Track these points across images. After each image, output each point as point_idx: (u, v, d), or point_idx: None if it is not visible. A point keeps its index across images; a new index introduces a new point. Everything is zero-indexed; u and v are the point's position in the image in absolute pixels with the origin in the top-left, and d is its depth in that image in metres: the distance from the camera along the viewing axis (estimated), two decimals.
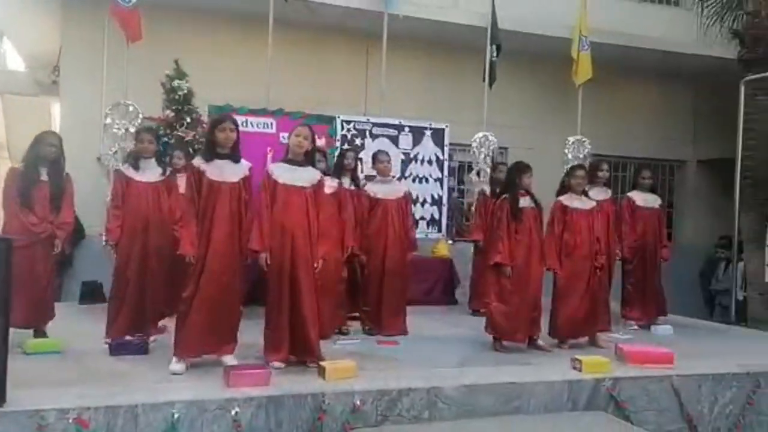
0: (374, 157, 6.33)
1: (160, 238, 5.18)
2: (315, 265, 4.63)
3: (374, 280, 5.98)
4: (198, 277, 4.31)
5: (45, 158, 5.01)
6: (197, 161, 4.46)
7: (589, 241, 5.62)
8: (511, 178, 5.54)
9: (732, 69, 8.79)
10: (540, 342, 5.49)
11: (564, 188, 5.80)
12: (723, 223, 9.74)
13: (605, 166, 6.70)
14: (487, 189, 7.40)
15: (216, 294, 4.35)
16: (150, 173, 5.27)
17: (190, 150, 6.67)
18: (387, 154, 6.35)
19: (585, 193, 5.78)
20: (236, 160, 4.49)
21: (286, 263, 4.50)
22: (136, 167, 5.26)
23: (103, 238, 5.27)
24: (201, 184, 4.37)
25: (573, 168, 6.03)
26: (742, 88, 8.00)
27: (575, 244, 5.58)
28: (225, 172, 4.42)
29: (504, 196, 5.48)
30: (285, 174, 4.61)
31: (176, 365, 4.27)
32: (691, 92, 11.49)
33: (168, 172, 5.42)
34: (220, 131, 4.42)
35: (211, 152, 4.44)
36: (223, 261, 4.36)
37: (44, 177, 5.01)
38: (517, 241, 5.32)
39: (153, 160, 5.33)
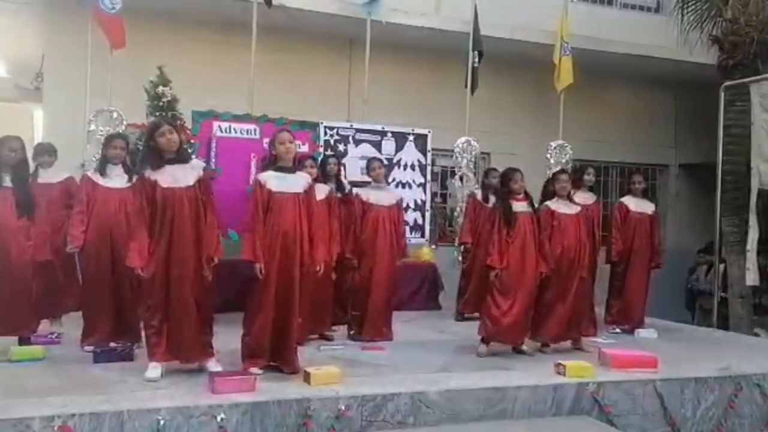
0: (367, 164, 6.38)
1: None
2: (317, 268, 4.68)
3: (364, 286, 5.99)
4: (159, 286, 4.28)
5: (6, 164, 4.94)
6: (147, 172, 4.37)
7: (575, 245, 5.69)
8: (502, 184, 5.66)
9: (712, 74, 8.92)
10: (524, 347, 5.54)
11: (547, 194, 5.87)
12: (704, 227, 9.86)
13: (591, 170, 6.82)
14: (478, 193, 7.47)
15: (183, 302, 4.30)
16: (117, 179, 5.23)
17: None
18: (378, 160, 6.42)
19: (570, 198, 5.86)
20: (185, 161, 4.43)
21: (281, 271, 4.47)
22: (103, 173, 5.23)
23: (68, 244, 5.24)
24: (155, 194, 4.29)
25: (556, 173, 6.12)
26: (722, 94, 8.11)
27: (562, 248, 5.65)
28: (177, 177, 4.35)
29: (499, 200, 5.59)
30: (277, 182, 4.56)
31: (152, 372, 4.25)
32: (672, 97, 11.64)
33: (135, 179, 5.38)
34: (159, 137, 4.35)
35: (158, 160, 4.37)
36: (186, 268, 4.31)
37: (7, 183, 4.94)
38: (510, 245, 5.38)
39: (120, 166, 5.29)
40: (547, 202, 5.81)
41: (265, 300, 4.48)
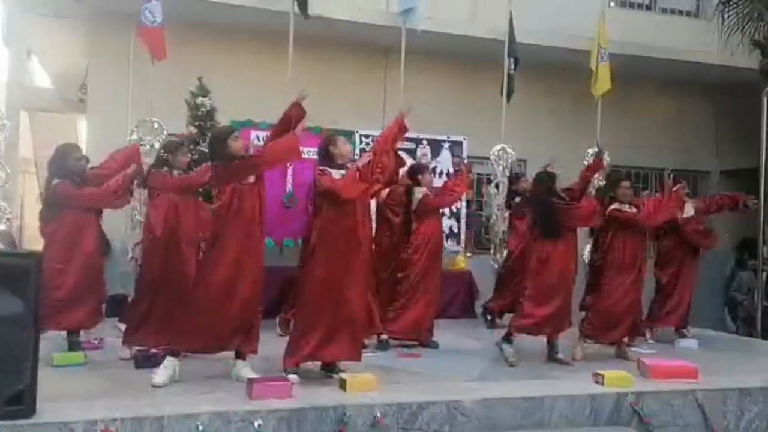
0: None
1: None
2: None
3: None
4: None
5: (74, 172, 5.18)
6: None
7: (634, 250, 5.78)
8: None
9: (754, 78, 8.74)
10: (560, 355, 5.50)
11: (610, 199, 5.94)
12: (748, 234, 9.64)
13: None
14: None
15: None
16: None
17: None
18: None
19: (633, 204, 5.92)
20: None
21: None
22: None
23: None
24: None
25: (617, 180, 6.17)
26: (765, 98, 7.95)
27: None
28: None
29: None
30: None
31: (158, 378, 4.30)
32: (713, 102, 11.39)
33: None
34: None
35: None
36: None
37: None
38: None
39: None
40: (613, 206, 5.89)
41: (324, 295, 4.56)
